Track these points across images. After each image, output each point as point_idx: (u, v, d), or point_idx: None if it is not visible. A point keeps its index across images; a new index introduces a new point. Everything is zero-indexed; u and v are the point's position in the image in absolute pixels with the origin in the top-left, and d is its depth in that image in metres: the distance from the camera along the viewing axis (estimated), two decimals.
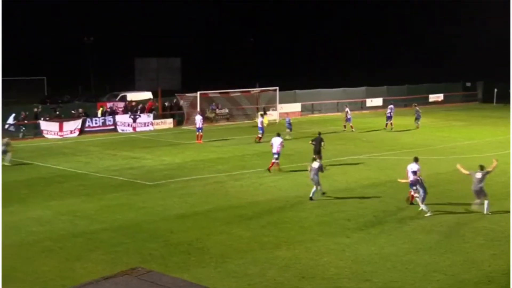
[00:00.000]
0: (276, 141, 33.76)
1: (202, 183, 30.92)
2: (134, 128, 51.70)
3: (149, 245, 21.20)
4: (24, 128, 47.91)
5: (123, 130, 51.31)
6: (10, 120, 47.45)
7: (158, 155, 39.54)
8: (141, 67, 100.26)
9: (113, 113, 52.79)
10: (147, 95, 63.54)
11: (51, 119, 49.05)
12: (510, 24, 56.92)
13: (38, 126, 48.13)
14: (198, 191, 29.23)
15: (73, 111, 51.28)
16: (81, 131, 49.40)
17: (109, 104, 55.32)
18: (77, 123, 49.53)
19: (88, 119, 50.45)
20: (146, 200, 27.64)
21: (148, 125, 52.62)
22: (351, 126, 50.17)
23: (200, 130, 44.94)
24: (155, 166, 35.85)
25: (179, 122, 55.14)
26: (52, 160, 37.74)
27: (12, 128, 47.34)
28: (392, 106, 53.93)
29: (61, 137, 48.07)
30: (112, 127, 51.50)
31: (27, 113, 48.22)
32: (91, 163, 36.95)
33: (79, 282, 16.47)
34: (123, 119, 51.98)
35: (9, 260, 19.67)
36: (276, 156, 33.53)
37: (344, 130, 49.97)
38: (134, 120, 52.30)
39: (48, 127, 48.27)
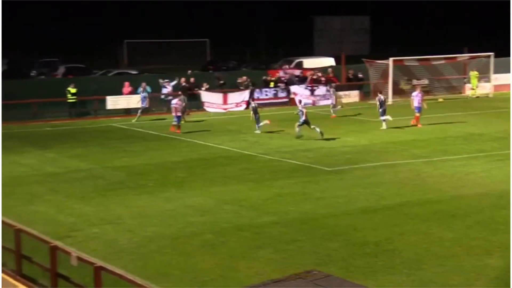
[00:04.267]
0: None
1: (393, 171, 30.66)
2: (313, 102, 52.10)
3: (328, 244, 21.31)
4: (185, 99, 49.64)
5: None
6: (168, 88, 49.17)
7: (339, 134, 39.60)
8: (321, 27, 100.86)
9: (287, 83, 53.52)
10: (329, 61, 63.82)
11: (213, 90, 50.51)
12: (510, 23, 55.05)
13: (197, 97, 49.73)
14: (388, 180, 29.01)
15: (239, 80, 52.49)
16: (249, 104, 50.50)
17: (280, 72, 56.14)
18: (244, 95, 50.67)
19: (257, 90, 51.46)
20: (324, 189, 27.81)
21: (328, 98, 52.84)
22: None
23: (418, 110, 42.05)
24: (335, 148, 35.95)
25: (366, 94, 54.97)
26: (214, 138, 38.91)
27: (169, 97, 49.15)
28: None
29: (225, 110, 49.41)
30: (286, 100, 52.24)
31: (183, 82, 49.78)
32: (259, 143, 37.71)
33: (244, 285, 16.90)
34: (299, 90, 52.53)
35: (165, 255, 20.52)
36: None
37: None
38: (312, 92, 52.75)
39: (210, 99, 49.73)
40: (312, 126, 38.04)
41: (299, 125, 38.27)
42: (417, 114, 42.29)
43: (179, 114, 40.78)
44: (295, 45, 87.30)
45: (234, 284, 18.00)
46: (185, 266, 19.67)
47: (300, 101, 44.48)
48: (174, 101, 41.22)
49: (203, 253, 20.68)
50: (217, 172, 31.04)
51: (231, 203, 25.81)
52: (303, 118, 38.02)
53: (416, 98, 42.50)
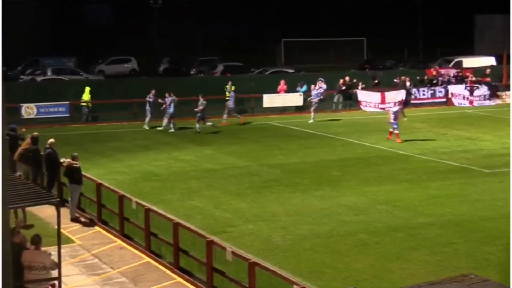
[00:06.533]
0: None
1: None
2: (471, 102, 51.03)
3: (485, 247, 20.84)
4: (341, 98, 49.69)
5: (460, 104, 50.93)
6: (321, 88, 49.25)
7: (499, 136, 38.65)
8: (482, 26, 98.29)
9: (445, 82, 52.67)
10: (489, 60, 62.29)
11: (370, 89, 50.25)
12: (510, 24, 50.46)
13: (353, 96, 49.61)
14: None
15: (395, 80, 51.97)
16: (406, 103, 49.87)
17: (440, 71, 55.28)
18: (401, 94, 50.08)
19: (415, 90, 50.85)
20: (482, 191, 27.22)
21: (488, 99, 51.66)
22: None
23: None
24: (495, 150, 35.16)
25: None
26: (370, 138, 38.69)
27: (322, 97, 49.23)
28: None
29: (382, 110, 48.97)
30: (443, 99, 51.41)
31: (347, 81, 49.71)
32: (416, 143, 37.26)
33: (398, 286, 16.77)
34: (457, 90, 51.58)
35: (318, 253, 20.61)
36: None
37: None
38: (471, 93, 51.62)
39: (367, 98, 49.45)
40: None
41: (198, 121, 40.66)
42: None
43: (396, 120, 38.35)
44: (455, 44, 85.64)
45: (387, 285, 17.89)
46: (338, 265, 19.69)
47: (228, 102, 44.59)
48: (395, 108, 39.75)
49: (356, 253, 20.65)
50: (372, 171, 30.88)
51: (386, 203, 25.63)
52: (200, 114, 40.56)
53: None
